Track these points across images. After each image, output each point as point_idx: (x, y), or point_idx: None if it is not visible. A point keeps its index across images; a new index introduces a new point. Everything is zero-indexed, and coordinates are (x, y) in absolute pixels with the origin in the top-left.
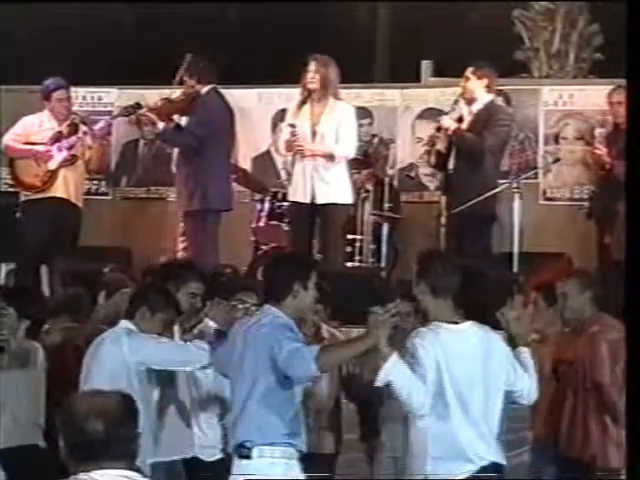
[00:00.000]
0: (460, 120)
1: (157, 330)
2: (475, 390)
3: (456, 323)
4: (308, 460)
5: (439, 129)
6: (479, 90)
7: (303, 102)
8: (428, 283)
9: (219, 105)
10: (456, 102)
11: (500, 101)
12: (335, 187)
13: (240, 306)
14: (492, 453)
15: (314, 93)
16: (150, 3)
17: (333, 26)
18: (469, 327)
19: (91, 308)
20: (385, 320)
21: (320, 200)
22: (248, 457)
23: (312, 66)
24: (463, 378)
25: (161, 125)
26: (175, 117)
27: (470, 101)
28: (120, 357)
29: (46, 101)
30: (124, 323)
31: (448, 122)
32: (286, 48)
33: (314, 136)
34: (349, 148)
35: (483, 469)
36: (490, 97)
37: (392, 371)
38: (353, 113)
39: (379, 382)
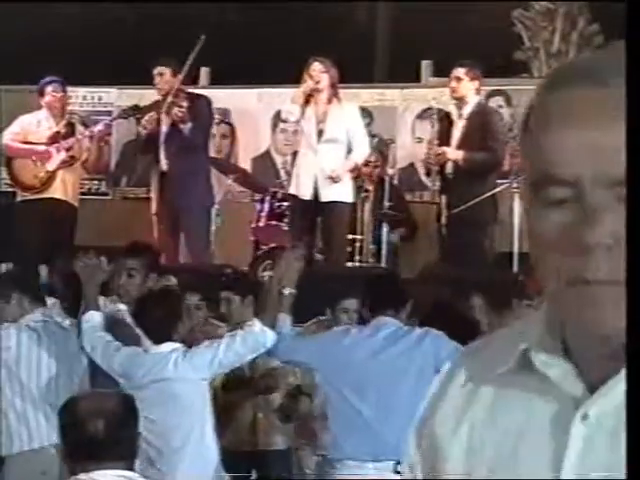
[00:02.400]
0: (449, 124)
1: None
2: None
3: None
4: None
5: (438, 155)
6: (470, 92)
7: (306, 102)
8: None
9: (209, 105)
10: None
11: (501, 101)
12: (339, 185)
13: None
14: None
15: (321, 93)
16: (150, 3)
17: (333, 26)
18: None
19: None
20: None
21: (324, 198)
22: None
23: (319, 66)
24: None
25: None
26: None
27: (460, 103)
28: (188, 381)
29: (41, 96)
30: (169, 345)
31: (453, 154)
32: (286, 48)
33: (320, 136)
34: (365, 149)
35: None
36: (477, 99)
37: None
38: (359, 113)
39: None
